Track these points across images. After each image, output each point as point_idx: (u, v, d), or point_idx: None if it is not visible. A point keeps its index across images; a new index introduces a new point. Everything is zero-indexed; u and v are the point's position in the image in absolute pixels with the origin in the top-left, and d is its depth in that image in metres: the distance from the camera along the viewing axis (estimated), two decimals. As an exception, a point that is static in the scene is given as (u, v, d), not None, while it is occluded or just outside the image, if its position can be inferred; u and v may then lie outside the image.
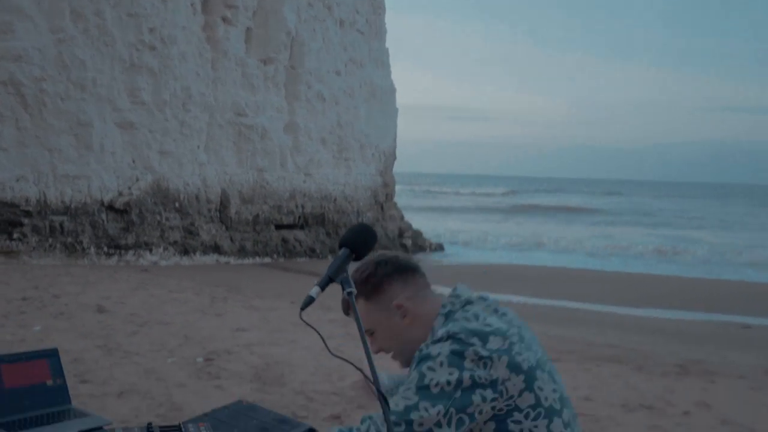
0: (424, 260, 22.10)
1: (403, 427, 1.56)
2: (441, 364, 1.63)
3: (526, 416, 1.64)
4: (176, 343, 7.86)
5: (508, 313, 1.81)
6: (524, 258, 23.30)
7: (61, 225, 15.23)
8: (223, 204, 18.15)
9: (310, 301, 1.62)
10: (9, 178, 14.66)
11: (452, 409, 1.59)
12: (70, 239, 15.32)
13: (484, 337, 1.66)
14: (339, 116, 21.60)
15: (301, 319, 1.58)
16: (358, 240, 1.71)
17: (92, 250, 15.49)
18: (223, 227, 18.04)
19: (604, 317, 11.67)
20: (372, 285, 1.85)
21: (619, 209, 53.22)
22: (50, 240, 15.08)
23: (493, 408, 1.63)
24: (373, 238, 1.74)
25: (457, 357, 1.63)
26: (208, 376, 6.57)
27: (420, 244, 23.85)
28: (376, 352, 1.91)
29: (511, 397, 1.64)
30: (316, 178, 20.76)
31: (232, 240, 18.05)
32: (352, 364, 1.55)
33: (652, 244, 28.24)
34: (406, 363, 1.89)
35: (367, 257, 1.84)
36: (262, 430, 2.24)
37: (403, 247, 22.93)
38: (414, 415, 1.57)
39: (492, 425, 1.65)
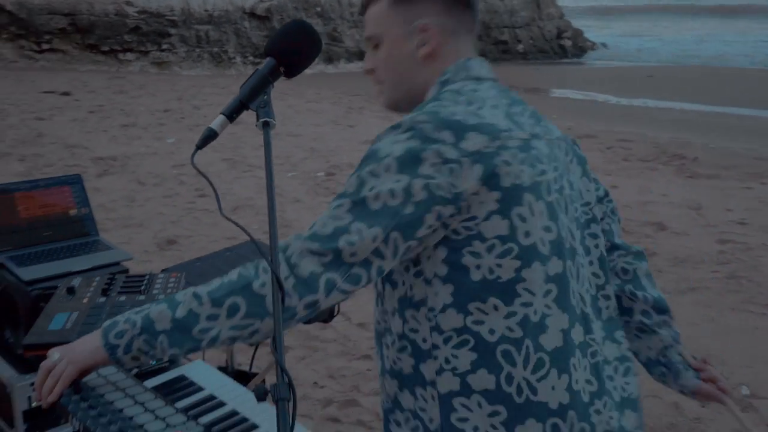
0: (584, 62, 20.51)
1: (329, 257, 1.08)
2: (387, 168, 1.10)
3: (489, 249, 1.11)
4: (301, 156, 7.71)
5: (526, 112, 1.24)
6: (693, 60, 21.03)
7: (206, 34, 15.30)
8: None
9: (209, 135, 1.13)
10: (153, -13, 14.72)
11: (395, 233, 1.09)
12: (216, 49, 15.42)
13: (461, 131, 1.11)
14: None
15: (192, 164, 1.10)
16: (290, 46, 1.16)
17: (238, 59, 15.56)
18: (368, 33, 17.45)
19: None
20: None
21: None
22: (197, 50, 15.25)
23: (446, 226, 1.11)
24: (315, 45, 1.18)
25: (411, 158, 1.09)
26: (326, 192, 6.38)
27: (580, 45, 22.06)
28: (368, 69, 1.34)
29: (473, 218, 1.10)
30: (466, -24, 19.31)
31: (377, 46, 17.48)
32: (244, 230, 1.06)
33: None
34: (389, 106, 1.35)
35: None
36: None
37: (561, 48, 21.32)
38: (342, 242, 1.08)
39: (443, 252, 1.13)
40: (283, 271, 1.10)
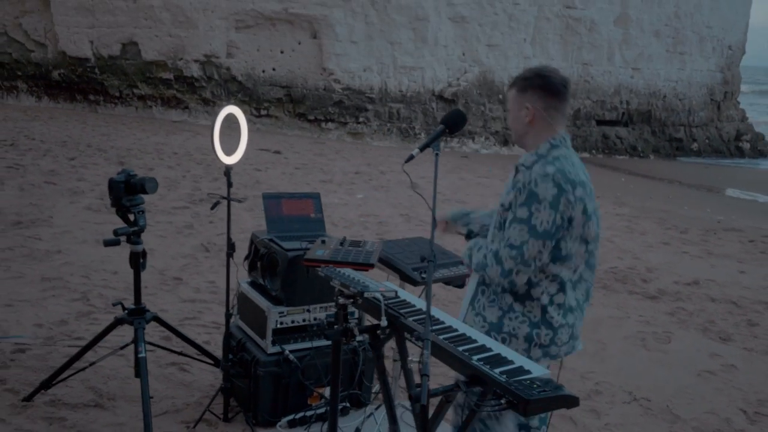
0: (759, 165, 20.44)
1: (519, 258, 2.38)
2: (544, 207, 2.35)
3: (572, 239, 2.41)
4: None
5: (585, 171, 2.51)
6: None
7: (397, 111, 17.28)
8: (545, 98, 18.70)
9: (410, 157, 2.47)
10: (358, 68, 16.97)
11: (549, 242, 2.37)
12: (404, 125, 17.34)
13: (574, 185, 2.38)
14: (677, 6, 20.41)
15: (403, 170, 2.45)
16: (453, 121, 2.50)
17: (423, 135, 17.37)
18: (543, 120, 18.67)
19: None
20: (523, 83, 2.55)
21: None
22: (388, 125, 17.25)
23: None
24: (464, 121, 2.51)
25: (555, 201, 2.34)
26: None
27: (760, 148, 21.97)
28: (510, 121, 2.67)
29: (571, 227, 2.40)
30: (645, 74, 20.15)
31: (551, 133, 18.64)
32: (425, 201, 2.37)
33: None
34: (515, 143, 2.67)
35: (538, 67, 2.60)
36: (421, 258, 3.19)
37: (738, 150, 21.39)
38: (525, 248, 2.37)
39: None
40: (497, 264, 2.44)
